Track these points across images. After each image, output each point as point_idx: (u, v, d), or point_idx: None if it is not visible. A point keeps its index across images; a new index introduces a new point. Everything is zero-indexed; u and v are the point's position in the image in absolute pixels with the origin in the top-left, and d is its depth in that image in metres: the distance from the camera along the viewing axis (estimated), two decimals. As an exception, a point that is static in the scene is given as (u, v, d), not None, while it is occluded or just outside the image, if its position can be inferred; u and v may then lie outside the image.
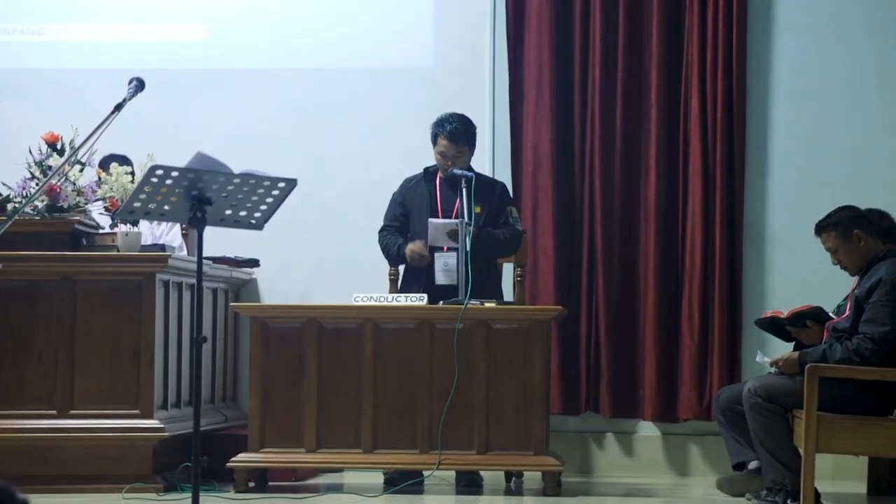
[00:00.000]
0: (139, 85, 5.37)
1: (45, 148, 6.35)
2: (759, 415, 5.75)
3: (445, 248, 6.46)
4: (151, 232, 7.06)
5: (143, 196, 4.93)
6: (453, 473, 6.48)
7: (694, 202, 7.22)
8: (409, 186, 6.70)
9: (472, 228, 6.26)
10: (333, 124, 7.61)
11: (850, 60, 7.30)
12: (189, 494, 4.88)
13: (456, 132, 6.51)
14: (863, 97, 7.29)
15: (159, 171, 4.88)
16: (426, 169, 6.69)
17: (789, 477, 5.68)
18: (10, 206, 6.18)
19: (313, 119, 7.63)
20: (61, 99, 7.58)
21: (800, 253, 7.13)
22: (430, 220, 6.40)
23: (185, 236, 7.19)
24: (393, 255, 6.58)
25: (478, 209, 6.39)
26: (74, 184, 6.29)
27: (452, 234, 6.29)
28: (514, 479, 6.68)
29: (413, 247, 6.45)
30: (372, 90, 7.60)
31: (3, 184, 6.41)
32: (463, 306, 6.03)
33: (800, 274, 7.18)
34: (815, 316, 5.98)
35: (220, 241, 6.75)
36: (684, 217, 7.26)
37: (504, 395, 6.09)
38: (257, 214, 5.12)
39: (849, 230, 5.84)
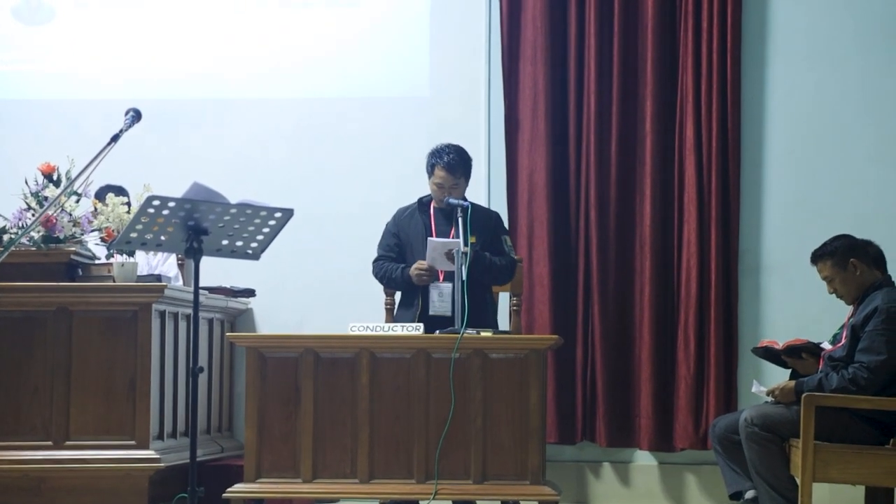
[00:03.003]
0: (136, 116, 5.38)
1: (41, 179, 6.36)
2: (756, 444, 5.74)
3: (441, 276, 6.46)
4: (147, 262, 7.06)
5: (139, 226, 4.94)
6: (450, 503, 6.46)
7: (689, 231, 7.22)
8: (402, 217, 6.69)
9: (469, 254, 6.24)
10: (329, 153, 7.62)
11: (844, 90, 7.32)
12: (185, 525, 4.88)
13: (454, 163, 6.51)
14: (857, 126, 7.31)
15: (156, 202, 4.89)
16: (420, 199, 6.69)
17: (786, 506, 5.68)
18: (6, 237, 6.18)
19: (309, 149, 7.64)
20: (58, 130, 7.60)
21: (796, 282, 7.14)
22: (430, 238, 6.39)
23: (181, 266, 7.19)
24: (396, 277, 6.55)
25: (473, 239, 6.39)
26: (70, 214, 6.29)
27: (450, 256, 6.27)
28: (510, 508, 6.66)
29: (417, 265, 6.44)
30: (367, 119, 7.61)
31: (0, 215, 6.41)
32: (459, 336, 6.02)
33: (796, 303, 7.19)
34: (809, 350, 5.99)
35: (215, 271, 6.76)
36: (679, 246, 7.27)
37: (500, 425, 6.07)
38: (254, 244, 5.13)
39: (845, 259, 5.85)
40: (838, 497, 6.86)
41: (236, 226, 5.03)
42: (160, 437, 6.27)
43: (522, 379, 6.08)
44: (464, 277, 6.14)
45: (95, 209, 6.36)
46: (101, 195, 6.65)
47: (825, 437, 5.56)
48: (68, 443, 6.14)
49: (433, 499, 6.05)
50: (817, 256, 5.93)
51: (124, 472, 6.08)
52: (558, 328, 7.17)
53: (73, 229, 6.29)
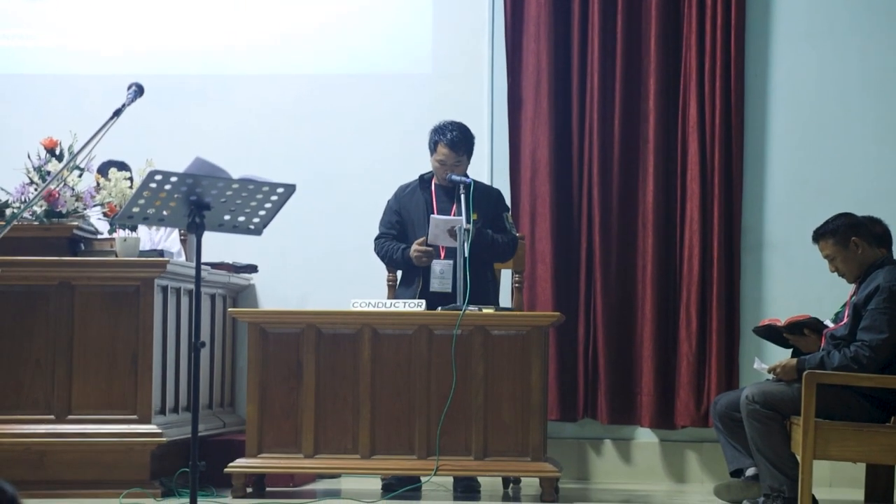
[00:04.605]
0: (138, 90, 5.37)
1: (43, 153, 6.36)
2: (757, 421, 5.75)
3: (443, 253, 6.46)
4: (150, 237, 7.06)
5: (141, 201, 4.93)
6: (451, 479, 6.48)
7: (692, 209, 7.22)
8: (404, 194, 6.69)
9: (471, 230, 6.24)
10: (331, 130, 7.61)
11: (847, 68, 7.31)
12: (187, 500, 4.89)
13: (456, 140, 6.51)
14: (860, 105, 7.30)
15: (158, 177, 4.88)
16: (421, 176, 6.69)
17: (787, 484, 5.68)
18: (8, 212, 6.18)
19: (311, 124, 7.63)
20: (60, 104, 7.58)
21: (797, 260, 7.14)
22: (432, 216, 6.39)
23: (183, 242, 7.19)
24: (397, 258, 6.56)
25: (475, 216, 6.39)
26: (73, 189, 6.29)
27: (453, 233, 6.28)
28: (511, 485, 6.67)
29: (416, 244, 6.44)
30: (370, 96, 7.60)
31: (2, 189, 6.41)
32: (461, 312, 6.03)
33: (797, 281, 7.19)
34: (812, 325, 5.99)
35: (218, 246, 6.76)
36: (682, 224, 7.26)
37: (502, 402, 6.09)
38: (256, 220, 5.12)
39: (846, 238, 5.84)
40: (839, 474, 6.88)
41: (238, 201, 5.02)
42: (162, 411, 6.28)
43: (524, 356, 6.09)
44: (466, 254, 6.14)
45: (98, 184, 6.36)
46: (103, 170, 6.64)
47: (826, 415, 5.57)
48: (70, 417, 6.15)
49: (434, 475, 6.06)
50: (819, 235, 5.92)
51: (126, 447, 6.10)
52: (560, 305, 7.18)
53: (76, 204, 6.29)
